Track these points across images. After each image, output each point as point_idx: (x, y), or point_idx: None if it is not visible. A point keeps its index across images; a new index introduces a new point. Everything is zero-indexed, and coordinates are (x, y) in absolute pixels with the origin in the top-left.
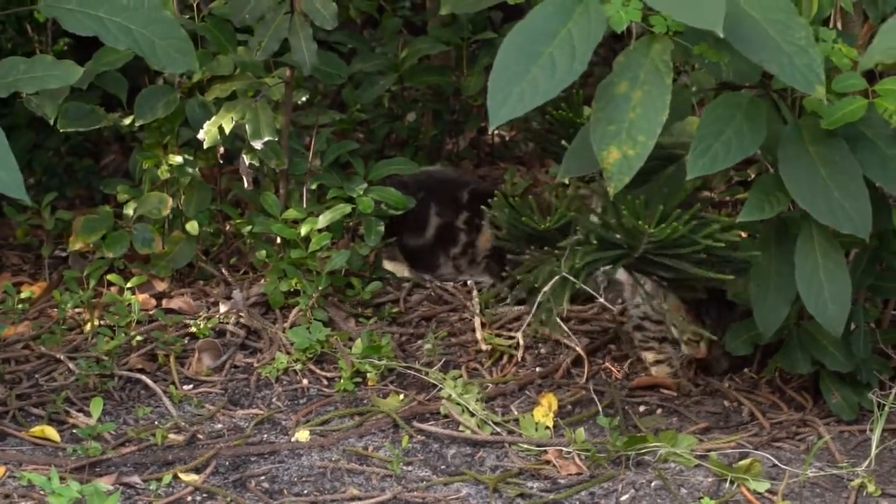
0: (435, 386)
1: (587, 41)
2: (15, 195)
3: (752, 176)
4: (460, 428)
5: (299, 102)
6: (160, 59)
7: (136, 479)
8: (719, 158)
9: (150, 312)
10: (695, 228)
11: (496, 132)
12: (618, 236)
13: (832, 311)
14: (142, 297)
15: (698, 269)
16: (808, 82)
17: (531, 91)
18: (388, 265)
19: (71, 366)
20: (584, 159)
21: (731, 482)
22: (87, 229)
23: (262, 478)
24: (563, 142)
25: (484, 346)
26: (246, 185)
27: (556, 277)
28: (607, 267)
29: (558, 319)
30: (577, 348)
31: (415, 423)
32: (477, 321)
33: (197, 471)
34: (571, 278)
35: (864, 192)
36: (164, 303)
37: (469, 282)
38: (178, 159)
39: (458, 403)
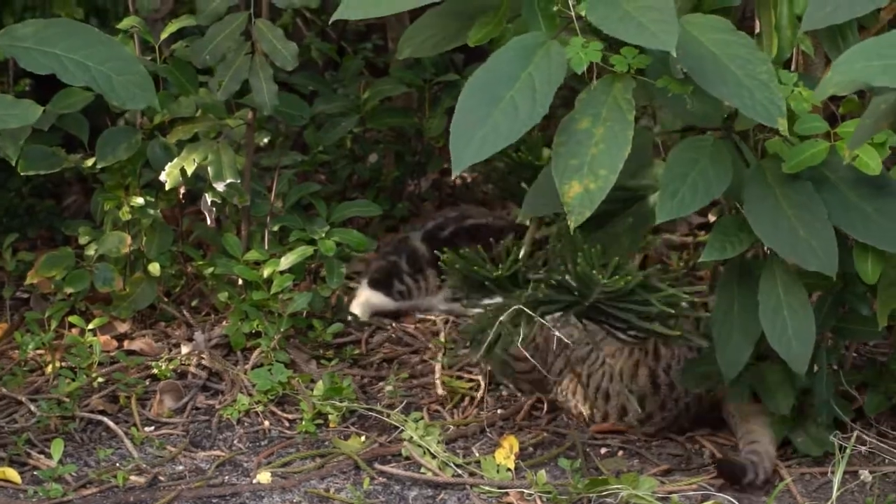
0: (396, 428)
1: (548, 84)
2: None
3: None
4: (422, 470)
5: (261, 144)
6: (119, 94)
7: None
8: (686, 201)
9: (112, 354)
10: (647, 288)
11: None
12: (571, 283)
13: (796, 349)
14: (103, 338)
15: (645, 323)
16: (769, 115)
17: (493, 135)
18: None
19: (32, 407)
20: (546, 198)
21: None
22: (47, 265)
23: None
24: (523, 184)
25: (441, 391)
26: (209, 222)
27: (512, 309)
28: (558, 314)
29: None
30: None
31: (376, 465)
32: (437, 367)
33: None
34: (528, 311)
35: (830, 230)
36: (126, 344)
37: (438, 321)
38: (140, 201)
39: (420, 445)
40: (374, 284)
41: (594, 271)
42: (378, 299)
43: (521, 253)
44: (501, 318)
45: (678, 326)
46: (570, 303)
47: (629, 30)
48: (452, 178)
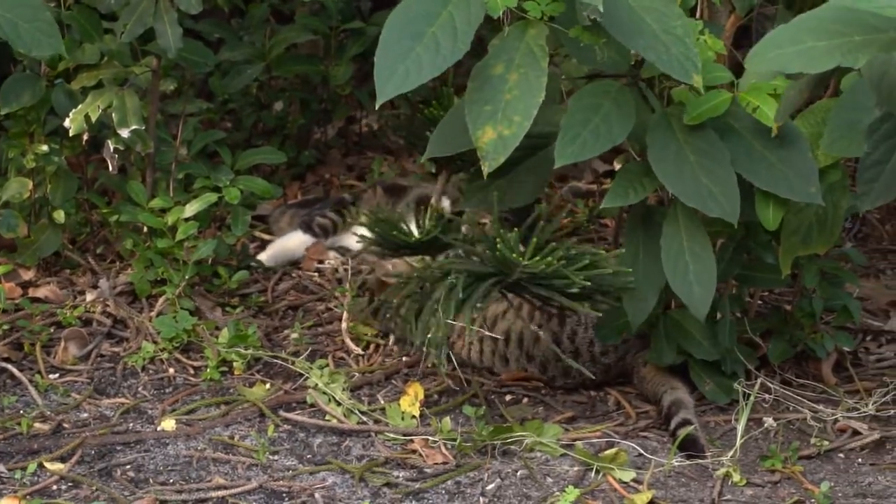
0: (301, 375)
1: (468, 23)
2: None
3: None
4: (326, 417)
5: (167, 92)
6: (25, 41)
7: (1, 467)
8: (588, 146)
9: (17, 301)
10: (568, 261)
11: (364, 122)
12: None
13: (697, 293)
14: (8, 285)
15: (569, 301)
16: (684, 71)
17: (416, 68)
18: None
19: None
20: (450, 141)
21: (597, 471)
22: None
23: (128, 467)
24: (428, 133)
25: (348, 340)
26: (111, 168)
27: (441, 324)
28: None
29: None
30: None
31: (281, 413)
32: (344, 315)
33: (63, 460)
34: (453, 322)
35: (733, 177)
36: (31, 292)
37: (340, 269)
38: (45, 148)
39: (325, 393)
40: (300, 226)
41: (514, 255)
42: (298, 238)
43: (440, 216)
44: (430, 334)
45: (602, 304)
46: (494, 282)
47: None
48: (376, 106)
